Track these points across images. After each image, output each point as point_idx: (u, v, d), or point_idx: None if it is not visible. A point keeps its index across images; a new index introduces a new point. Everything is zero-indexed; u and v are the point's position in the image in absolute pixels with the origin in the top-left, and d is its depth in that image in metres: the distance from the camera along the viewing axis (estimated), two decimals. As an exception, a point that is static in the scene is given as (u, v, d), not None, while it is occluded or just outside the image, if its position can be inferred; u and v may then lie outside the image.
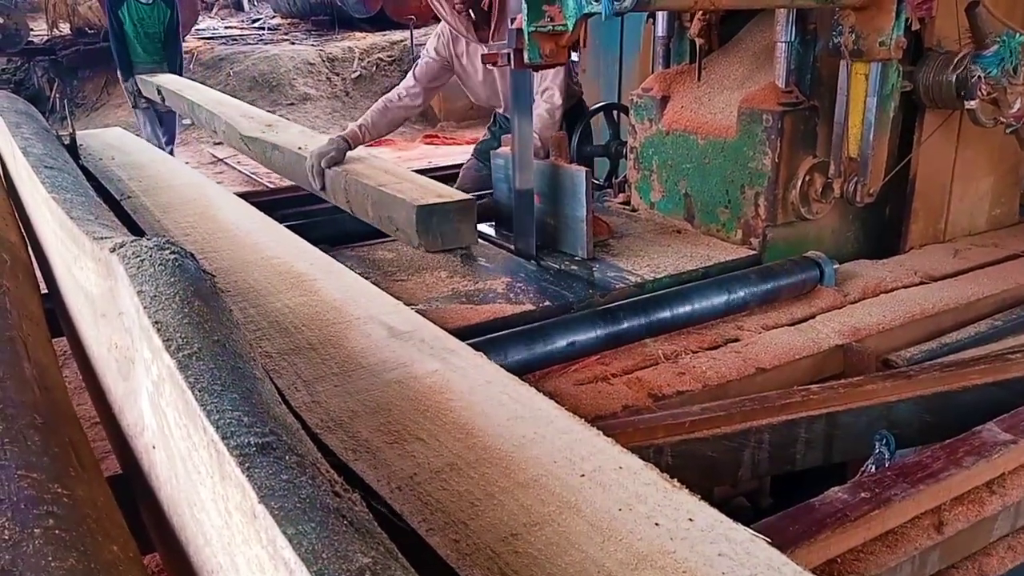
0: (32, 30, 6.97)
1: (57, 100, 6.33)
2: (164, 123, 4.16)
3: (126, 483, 0.77)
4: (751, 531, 0.64)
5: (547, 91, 1.85)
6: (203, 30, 7.91)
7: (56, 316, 1.11)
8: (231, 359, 0.66)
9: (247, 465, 0.52)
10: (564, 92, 1.87)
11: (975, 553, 0.92)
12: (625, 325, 1.32)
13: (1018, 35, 1.52)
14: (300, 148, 1.95)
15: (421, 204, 1.50)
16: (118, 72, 4.18)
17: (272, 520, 0.47)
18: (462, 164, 2.40)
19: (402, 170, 1.82)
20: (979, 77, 1.53)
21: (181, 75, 4.04)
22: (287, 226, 1.53)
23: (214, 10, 9.81)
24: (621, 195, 2.02)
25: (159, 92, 3.37)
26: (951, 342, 1.38)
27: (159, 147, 3.19)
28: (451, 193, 1.60)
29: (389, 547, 0.49)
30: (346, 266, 1.31)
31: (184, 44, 6.85)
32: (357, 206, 1.72)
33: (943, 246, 1.79)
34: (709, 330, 1.40)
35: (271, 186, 3.87)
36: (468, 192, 1.74)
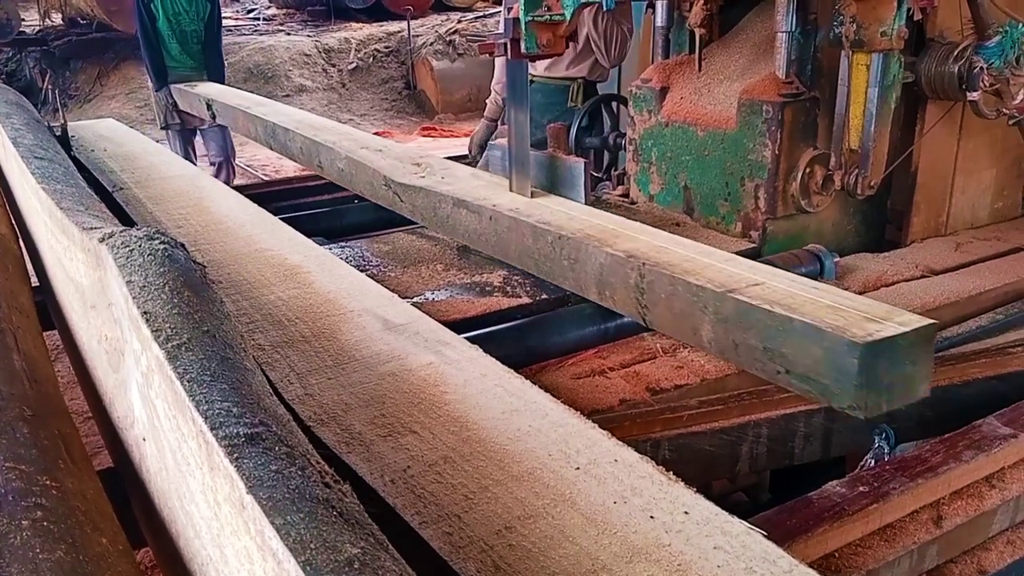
0: (23, 20, 6.90)
1: (49, 91, 6.27)
2: (207, 137, 3.41)
3: (117, 476, 0.76)
4: (747, 524, 0.63)
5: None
6: (198, 22, 7.84)
7: (47, 309, 1.10)
8: (221, 350, 0.66)
9: (236, 455, 0.51)
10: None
11: (974, 548, 0.91)
12: (623, 319, 1.31)
13: (1021, 25, 1.51)
14: (498, 206, 1.29)
15: (867, 341, 0.78)
16: (149, 81, 3.38)
17: (260, 510, 0.46)
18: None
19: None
20: (981, 68, 1.52)
21: (223, 83, 3.29)
22: (281, 219, 1.53)
23: None
24: (620, 187, 2.00)
25: (209, 107, 2.66)
26: (952, 336, 1.38)
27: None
28: (885, 310, 0.86)
29: (379, 538, 0.49)
30: (340, 259, 1.30)
31: None
32: (682, 330, 0.98)
33: (945, 239, 1.78)
34: (708, 323, 1.39)
35: (265, 178, 3.64)
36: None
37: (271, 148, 2.21)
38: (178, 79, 3.15)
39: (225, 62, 3.66)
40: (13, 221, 1.36)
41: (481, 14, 7.49)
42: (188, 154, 3.32)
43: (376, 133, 5.63)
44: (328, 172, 1.84)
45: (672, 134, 1.78)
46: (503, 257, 1.33)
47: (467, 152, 2.62)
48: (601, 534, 0.63)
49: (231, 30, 7.51)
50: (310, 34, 7.40)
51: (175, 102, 3.14)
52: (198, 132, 3.40)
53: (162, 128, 3.36)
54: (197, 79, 3.19)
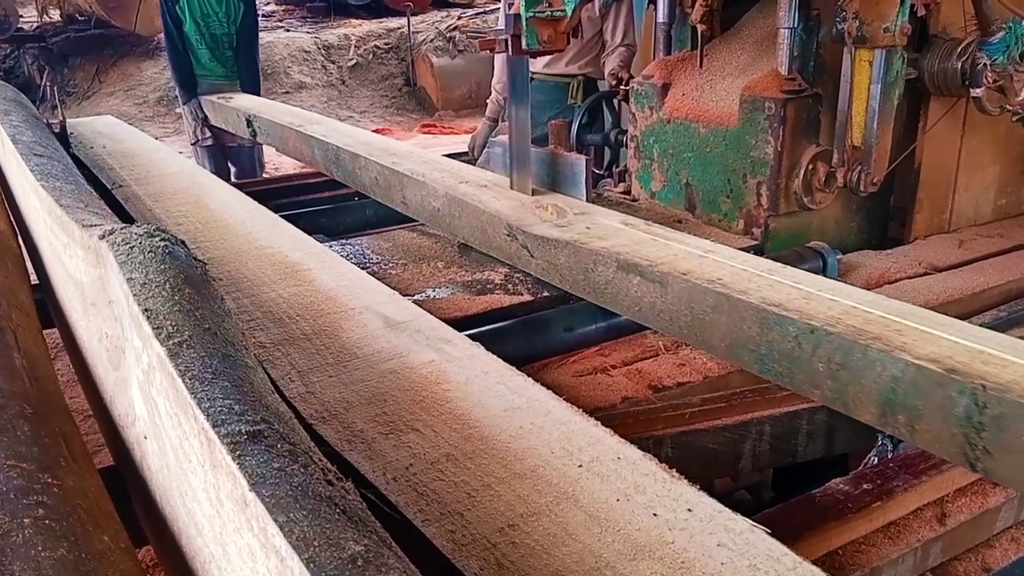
0: (21, 17, 6.88)
1: (47, 88, 6.24)
2: (238, 155, 3.02)
3: (118, 474, 0.76)
4: (750, 521, 0.63)
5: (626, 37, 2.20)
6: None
7: (47, 307, 1.09)
8: (222, 347, 0.65)
9: (238, 453, 0.51)
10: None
11: (978, 545, 0.91)
12: (625, 316, 1.30)
13: (1025, 21, 1.50)
14: (690, 274, 0.98)
15: None
16: (177, 91, 3.00)
17: (263, 508, 0.46)
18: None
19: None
20: (985, 64, 1.51)
21: (259, 94, 2.93)
22: (281, 216, 1.52)
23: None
24: (621, 184, 2.00)
25: (249, 124, 2.29)
26: (955, 333, 1.36)
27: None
28: None
29: (382, 535, 0.48)
30: (341, 256, 1.30)
31: None
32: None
33: (948, 236, 1.77)
34: (710, 321, 1.38)
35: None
36: None
37: (331, 175, 1.88)
38: (208, 89, 2.81)
39: (261, 70, 3.22)
40: (12, 219, 1.36)
41: (481, 10, 7.46)
42: (221, 175, 2.74)
43: (376, 130, 5.62)
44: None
45: (674, 131, 1.77)
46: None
47: (468, 151, 2.61)
48: (604, 532, 0.63)
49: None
50: (309, 31, 7.38)
51: (206, 116, 2.77)
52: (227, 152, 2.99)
53: (192, 144, 2.96)
54: (229, 89, 2.83)
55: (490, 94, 2.63)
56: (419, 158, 1.66)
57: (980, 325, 1.38)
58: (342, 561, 0.42)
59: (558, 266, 1.18)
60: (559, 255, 1.18)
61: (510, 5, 1.41)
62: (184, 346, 0.63)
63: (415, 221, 1.75)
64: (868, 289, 1.50)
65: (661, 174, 1.84)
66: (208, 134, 2.86)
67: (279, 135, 2.13)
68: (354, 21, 7.54)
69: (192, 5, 2.87)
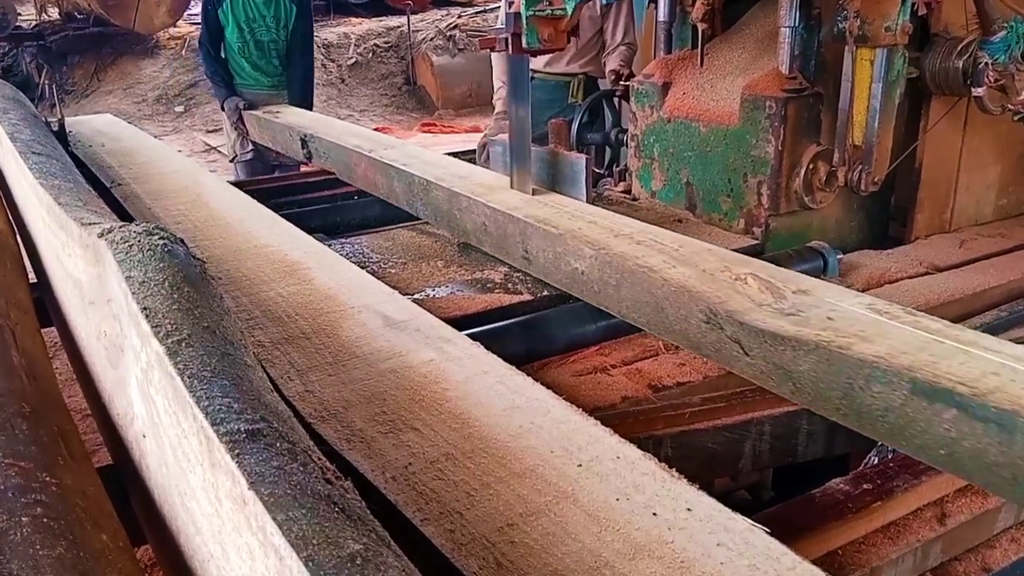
0: (20, 15, 6.87)
1: (46, 87, 6.24)
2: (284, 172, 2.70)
3: (116, 474, 0.76)
4: (750, 521, 0.63)
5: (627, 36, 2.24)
6: (195, 15, 7.80)
7: (46, 305, 1.09)
8: (221, 345, 0.65)
9: (237, 452, 0.51)
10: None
11: (978, 546, 0.91)
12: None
13: (1027, 20, 1.50)
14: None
15: None
16: (221, 105, 2.59)
17: (262, 506, 0.46)
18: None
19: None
20: (986, 63, 1.50)
21: (311, 108, 2.61)
22: (281, 215, 1.52)
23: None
24: (622, 184, 2.00)
25: (304, 145, 1.98)
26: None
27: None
28: None
29: (381, 534, 0.48)
30: (341, 255, 1.29)
31: (175, 29, 5.93)
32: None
33: (949, 236, 1.77)
34: (710, 320, 1.38)
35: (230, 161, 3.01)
36: None
37: (417, 213, 1.57)
38: (251, 102, 2.49)
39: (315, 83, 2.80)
40: (10, 217, 1.35)
41: (482, 9, 7.46)
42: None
43: (376, 129, 5.61)
44: (546, 270, 1.20)
45: (674, 130, 1.77)
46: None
47: (476, 149, 2.59)
48: (603, 531, 0.62)
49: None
50: (310, 29, 7.36)
51: (247, 129, 2.45)
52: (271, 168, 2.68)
53: (230, 161, 2.72)
54: (274, 102, 2.52)
55: (493, 93, 2.61)
56: (543, 201, 1.30)
57: (981, 325, 1.39)
58: (341, 560, 0.42)
59: (794, 374, 0.81)
60: (798, 360, 0.79)
61: (510, 3, 1.41)
62: (183, 344, 0.63)
63: (415, 219, 1.71)
64: (868, 289, 1.50)
65: (661, 173, 1.83)
66: (249, 150, 2.60)
67: (344, 160, 1.79)
68: (354, 19, 7.53)
69: (236, 8, 2.57)
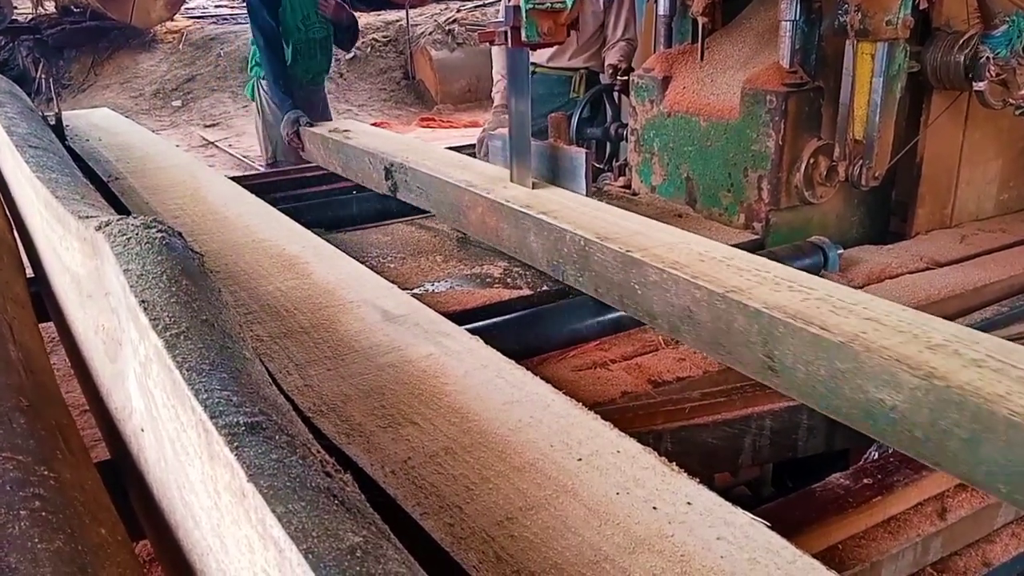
0: (16, 8, 6.83)
1: (43, 80, 6.20)
2: None
3: (115, 468, 0.76)
4: (750, 515, 0.63)
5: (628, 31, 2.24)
6: (192, 8, 7.77)
7: (43, 300, 1.09)
8: (219, 338, 0.65)
9: (236, 444, 0.51)
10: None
11: (978, 540, 0.91)
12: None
13: (1029, 14, 1.49)
14: None
15: None
16: (282, 111, 2.24)
17: (262, 499, 0.45)
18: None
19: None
20: (988, 58, 1.50)
21: (330, 118, 2.46)
22: (279, 209, 1.51)
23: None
24: (621, 178, 1.99)
25: (388, 175, 1.59)
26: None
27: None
28: None
29: (381, 527, 0.48)
30: (340, 249, 1.29)
31: (173, 23, 5.83)
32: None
33: (950, 231, 1.77)
34: (710, 315, 1.37)
35: (263, 169, 3.03)
36: None
37: (559, 278, 1.21)
38: (300, 105, 2.20)
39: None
40: (7, 212, 1.35)
41: (481, 3, 7.43)
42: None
43: (374, 124, 5.59)
44: (795, 387, 0.86)
45: (674, 124, 1.76)
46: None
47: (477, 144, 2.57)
48: (603, 525, 0.62)
49: (226, 19, 7.43)
50: (308, 24, 7.32)
51: (302, 145, 2.14)
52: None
53: (268, 165, 2.44)
54: (316, 98, 2.36)
55: (492, 87, 2.60)
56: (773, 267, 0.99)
57: (982, 321, 1.39)
58: (341, 552, 0.42)
59: None
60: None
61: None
62: (181, 337, 0.62)
63: (414, 214, 1.72)
64: (868, 284, 1.50)
65: (661, 168, 1.83)
66: (289, 161, 2.33)
67: (448, 200, 1.40)
68: (353, 14, 7.49)
69: (295, 6, 2.37)
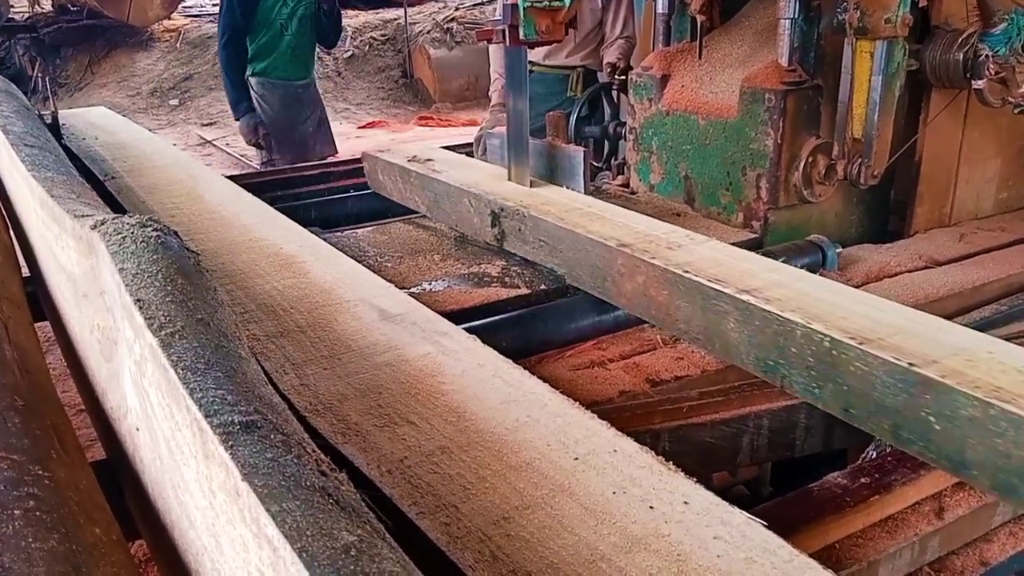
0: (12, 7, 6.81)
1: (39, 79, 6.19)
2: None
3: (111, 468, 0.75)
4: (747, 514, 0.62)
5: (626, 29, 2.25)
6: (190, 7, 7.74)
7: (39, 299, 1.09)
8: (215, 338, 0.65)
9: (230, 443, 0.50)
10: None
11: (976, 540, 0.91)
12: (621, 310, 1.30)
13: (1028, 12, 1.48)
14: None
15: None
16: (237, 113, 2.14)
17: (256, 498, 0.45)
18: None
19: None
20: (987, 56, 1.50)
21: (326, 117, 2.33)
22: (277, 208, 1.51)
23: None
24: (620, 177, 1.99)
25: (496, 221, 1.33)
26: (955, 327, 1.35)
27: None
28: None
29: (376, 526, 0.48)
30: (337, 248, 1.29)
31: (170, 22, 5.82)
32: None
33: (948, 230, 1.77)
34: (708, 314, 1.37)
35: (259, 168, 2.95)
36: None
37: (784, 387, 0.88)
38: (270, 92, 2.04)
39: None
40: (3, 210, 1.34)
41: (479, 1, 7.42)
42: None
43: (371, 122, 5.59)
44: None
45: (673, 123, 1.76)
46: None
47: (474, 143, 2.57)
48: (600, 524, 0.62)
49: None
50: (306, 22, 7.31)
51: (265, 133, 2.05)
52: None
53: (263, 164, 2.28)
54: (302, 92, 2.12)
55: (489, 85, 2.59)
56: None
57: (981, 319, 1.39)
58: (335, 551, 0.41)
59: None
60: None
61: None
62: (177, 337, 0.62)
63: (412, 213, 1.71)
64: (867, 283, 1.50)
65: (660, 166, 1.83)
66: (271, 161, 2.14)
67: (589, 260, 1.11)
68: (350, 12, 7.47)
69: None
